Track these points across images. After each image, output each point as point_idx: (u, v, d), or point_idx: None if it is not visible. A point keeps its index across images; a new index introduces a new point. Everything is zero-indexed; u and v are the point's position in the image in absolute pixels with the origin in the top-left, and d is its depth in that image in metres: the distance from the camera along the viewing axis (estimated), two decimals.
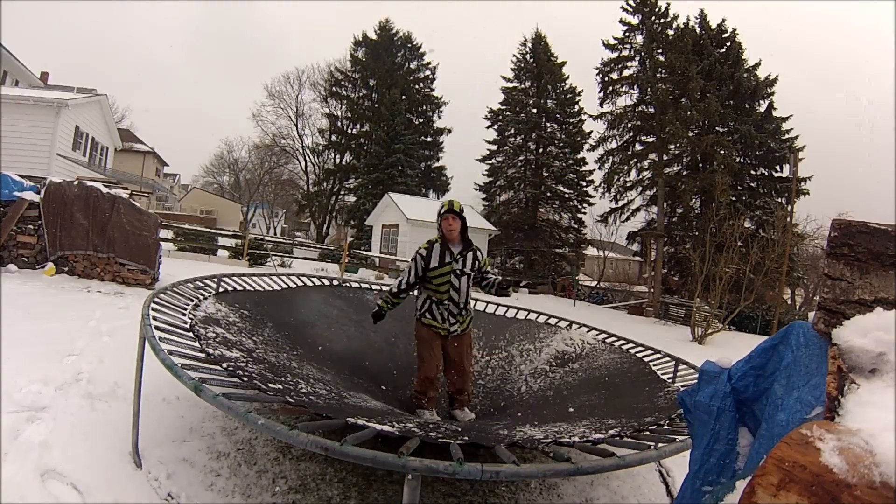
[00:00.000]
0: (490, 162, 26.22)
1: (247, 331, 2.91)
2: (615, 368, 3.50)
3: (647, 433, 1.95)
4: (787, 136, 20.45)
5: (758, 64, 21.02)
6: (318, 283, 4.67)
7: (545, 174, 24.96)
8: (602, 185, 22.86)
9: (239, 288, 3.77)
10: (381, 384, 3.44)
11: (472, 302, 3.32)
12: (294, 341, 3.25)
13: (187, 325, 2.44)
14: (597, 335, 4.15)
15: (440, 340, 3.14)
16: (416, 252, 3.13)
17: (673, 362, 3.38)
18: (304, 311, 3.90)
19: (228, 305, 3.20)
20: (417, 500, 1.30)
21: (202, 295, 3.20)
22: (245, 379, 1.88)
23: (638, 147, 22.02)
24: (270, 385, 1.93)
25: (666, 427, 2.04)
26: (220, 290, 3.52)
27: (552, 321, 4.57)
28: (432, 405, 3.11)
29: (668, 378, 3.20)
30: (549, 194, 25.12)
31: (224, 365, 1.98)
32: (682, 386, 2.90)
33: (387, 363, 3.77)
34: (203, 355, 2.05)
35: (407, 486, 1.29)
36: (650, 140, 21.44)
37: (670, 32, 21.22)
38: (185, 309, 2.75)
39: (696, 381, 1.14)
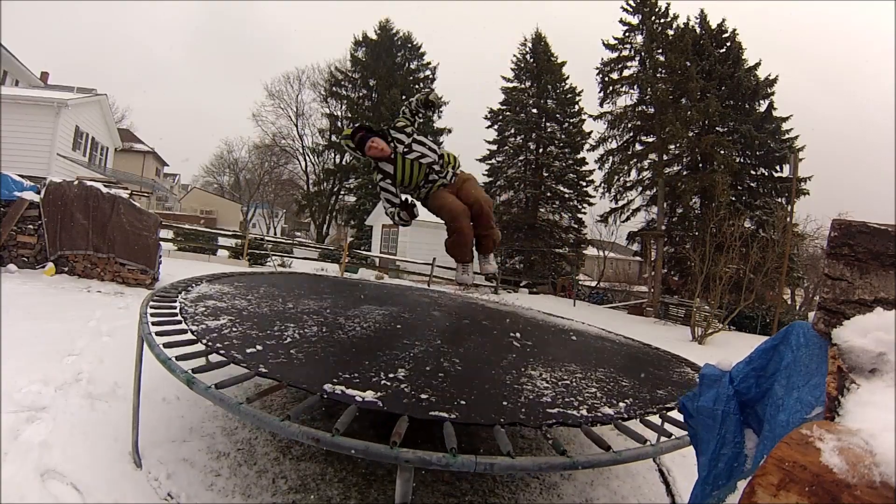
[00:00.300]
0: (490, 162, 26.20)
1: (241, 295, 2.93)
2: (629, 343, 3.54)
3: (657, 416, 1.89)
4: (787, 136, 20.45)
5: (758, 64, 21.03)
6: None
7: (545, 174, 24.96)
8: (602, 185, 22.86)
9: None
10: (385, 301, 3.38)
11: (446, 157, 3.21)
12: (291, 289, 3.29)
13: (176, 310, 2.44)
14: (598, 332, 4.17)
15: (449, 189, 3.11)
16: (377, 182, 3.13)
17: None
18: (303, 283, 3.94)
19: (223, 283, 3.21)
20: (410, 491, 1.28)
21: (196, 283, 3.23)
22: (223, 352, 1.84)
23: (638, 147, 22.01)
24: (248, 351, 1.88)
25: (675, 413, 1.99)
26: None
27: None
28: (468, 256, 3.10)
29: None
30: (549, 194, 25.10)
31: (205, 340, 1.95)
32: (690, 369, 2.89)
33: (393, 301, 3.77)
34: (189, 336, 2.03)
35: (399, 477, 1.27)
36: (650, 140, 21.43)
37: (670, 32, 21.21)
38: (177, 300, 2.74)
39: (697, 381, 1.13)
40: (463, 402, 1.64)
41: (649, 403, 1.98)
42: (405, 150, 3.06)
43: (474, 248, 3.21)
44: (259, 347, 1.94)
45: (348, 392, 1.57)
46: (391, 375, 1.79)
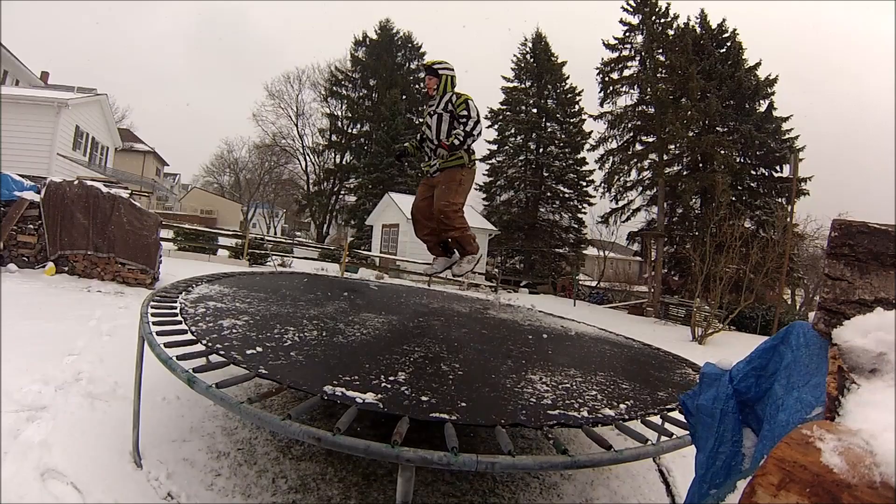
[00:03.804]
0: (490, 162, 26.22)
1: (241, 297, 2.93)
2: (629, 344, 3.54)
3: (657, 417, 1.90)
4: (787, 136, 20.46)
5: (758, 64, 21.04)
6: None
7: (545, 174, 24.98)
8: (602, 185, 22.88)
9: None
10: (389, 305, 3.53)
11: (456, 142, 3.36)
12: (292, 293, 3.33)
13: (177, 310, 2.43)
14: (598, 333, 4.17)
15: (428, 184, 3.59)
16: None
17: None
18: (305, 283, 3.95)
19: (223, 284, 3.21)
20: (412, 491, 1.28)
21: (196, 284, 3.23)
22: (222, 353, 1.84)
23: (638, 147, 22.01)
24: (248, 352, 1.88)
25: (676, 413, 1.99)
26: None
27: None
28: (433, 252, 3.70)
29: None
30: (549, 194, 25.13)
31: (205, 340, 1.95)
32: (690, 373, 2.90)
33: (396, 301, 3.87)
34: (189, 336, 2.02)
35: (401, 476, 1.28)
36: (650, 140, 21.43)
37: (670, 32, 21.21)
38: (178, 299, 2.74)
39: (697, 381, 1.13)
40: (463, 405, 1.64)
41: (650, 405, 1.98)
42: (432, 109, 3.46)
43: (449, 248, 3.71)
44: (259, 349, 1.94)
45: (348, 394, 1.57)
46: (391, 378, 1.79)
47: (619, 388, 2.14)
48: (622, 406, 1.88)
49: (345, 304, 3.20)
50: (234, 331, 2.15)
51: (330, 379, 1.69)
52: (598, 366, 2.55)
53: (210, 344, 1.92)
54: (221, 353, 1.84)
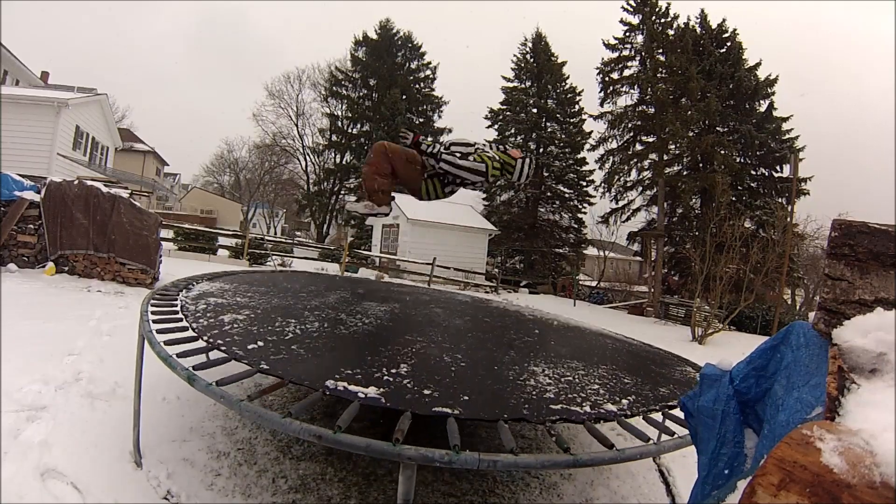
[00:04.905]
0: None
1: (241, 292, 2.93)
2: (629, 341, 3.53)
3: (658, 412, 1.90)
4: (787, 136, 20.45)
5: (758, 64, 21.04)
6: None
7: (545, 174, 24.96)
8: (602, 185, 22.85)
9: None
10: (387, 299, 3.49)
11: None
12: (293, 286, 3.32)
13: (177, 307, 2.43)
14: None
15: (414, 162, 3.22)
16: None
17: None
18: (303, 281, 3.96)
19: (223, 281, 3.22)
20: (413, 489, 1.29)
21: (197, 281, 3.23)
22: (223, 348, 1.84)
23: (638, 147, 21.98)
24: (249, 347, 1.88)
25: (678, 411, 2.00)
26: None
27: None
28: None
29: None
30: (549, 194, 25.11)
31: (206, 337, 1.95)
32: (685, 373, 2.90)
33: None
34: (190, 333, 2.03)
35: (402, 474, 1.28)
36: (650, 140, 21.40)
37: (671, 32, 21.20)
38: (178, 297, 2.74)
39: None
40: (466, 398, 1.65)
41: (652, 401, 1.99)
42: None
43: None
44: (260, 343, 1.94)
45: (350, 388, 1.57)
46: (393, 371, 1.79)
47: (621, 383, 2.15)
48: (624, 402, 1.89)
49: (346, 294, 3.20)
50: (235, 326, 2.16)
51: (332, 373, 1.69)
52: (601, 359, 2.56)
53: (211, 340, 1.93)
54: (223, 349, 1.84)
